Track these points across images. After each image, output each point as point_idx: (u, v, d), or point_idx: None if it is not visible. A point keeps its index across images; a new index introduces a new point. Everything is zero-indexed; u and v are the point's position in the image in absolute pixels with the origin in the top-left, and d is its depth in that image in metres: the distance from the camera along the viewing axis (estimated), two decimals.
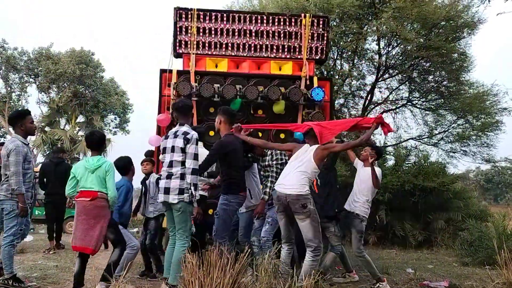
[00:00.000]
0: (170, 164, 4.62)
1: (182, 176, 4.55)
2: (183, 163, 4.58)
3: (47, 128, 25.35)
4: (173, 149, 4.63)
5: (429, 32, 12.42)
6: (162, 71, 6.60)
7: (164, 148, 4.76)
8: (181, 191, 4.53)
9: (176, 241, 4.61)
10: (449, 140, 14.22)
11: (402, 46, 12.79)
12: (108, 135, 25.82)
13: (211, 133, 6.42)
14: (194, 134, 4.66)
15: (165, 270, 4.75)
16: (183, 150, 4.58)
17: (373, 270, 5.62)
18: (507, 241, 6.92)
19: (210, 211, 6.10)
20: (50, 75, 24.61)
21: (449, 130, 14.16)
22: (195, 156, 4.59)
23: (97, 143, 4.94)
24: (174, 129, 4.83)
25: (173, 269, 4.43)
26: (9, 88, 26.49)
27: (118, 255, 4.86)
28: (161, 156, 4.84)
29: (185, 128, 4.76)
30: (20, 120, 5.27)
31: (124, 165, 5.57)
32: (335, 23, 12.20)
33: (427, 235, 10.40)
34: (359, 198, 5.77)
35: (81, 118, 26.37)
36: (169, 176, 4.59)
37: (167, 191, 4.57)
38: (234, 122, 5.11)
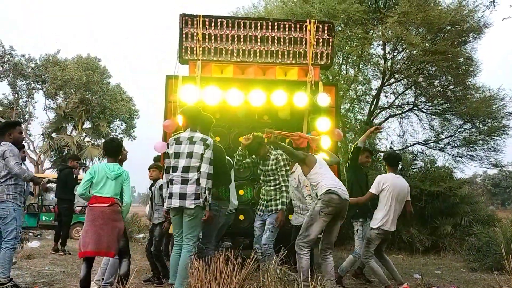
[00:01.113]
0: (186, 170, 4.57)
1: (198, 181, 4.57)
2: (199, 168, 4.58)
3: (54, 134, 25.52)
4: (190, 154, 4.60)
5: (435, 36, 12.42)
6: (168, 77, 6.63)
7: (177, 153, 4.67)
8: (197, 196, 4.53)
9: (183, 246, 4.57)
10: (456, 145, 14.18)
11: (407, 51, 12.80)
12: None
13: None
14: (211, 140, 4.73)
15: (171, 276, 4.72)
16: (201, 156, 4.59)
17: (379, 277, 5.56)
18: None
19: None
20: (57, 81, 24.81)
21: (456, 135, 14.13)
22: (211, 161, 4.62)
23: (116, 151, 4.99)
24: (186, 134, 4.76)
25: (180, 275, 4.42)
26: (16, 95, 26.73)
27: (127, 267, 4.93)
28: (173, 162, 4.70)
29: (199, 134, 4.77)
30: (10, 129, 5.44)
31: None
32: (340, 29, 12.23)
33: (434, 240, 10.34)
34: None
35: (87, 124, 26.53)
36: (185, 182, 4.56)
37: (183, 196, 4.52)
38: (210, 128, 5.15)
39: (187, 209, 4.52)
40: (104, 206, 4.67)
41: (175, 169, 4.66)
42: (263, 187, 5.51)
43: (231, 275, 3.69)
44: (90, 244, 4.62)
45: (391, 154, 6.40)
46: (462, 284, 6.34)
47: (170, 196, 4.63)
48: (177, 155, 4.68)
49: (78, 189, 4.88)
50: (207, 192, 4.55)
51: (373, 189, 5.62)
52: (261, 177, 5.56)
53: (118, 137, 27.52)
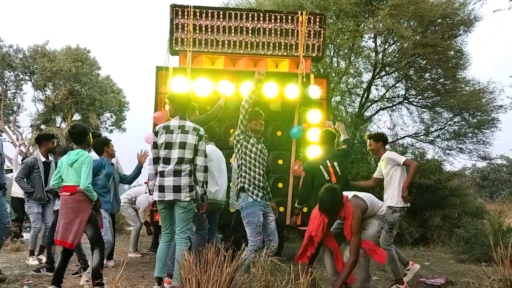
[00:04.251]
0: (180, 161, 4.44)
1: (190, 173, 4.47)
2: (191, 160, 4.49)
3: (43, 126, 25.28)
4: (183, 145, 4.45)
5: (426, 29, 12.45)
6: (158, 69, 6.58)
7: (169, 143, 4.49)
8: (190, 188, 4.45)
9: (178, 240, 4.47)
10: (445, 138, 14.29)
11: (398, 44, 12.84)
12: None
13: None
14: (203, 130, 4.64)
15: (159, 269, 4.60)
16: (195, 147, 4.49)
17: (396, 268, 5.38)
18: (503, 238, 6.93)
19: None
20: (46, 73, 24.49)
21: (445, 128, 14.23)
22: (205, 153, 4.57)
23: (78, 137, 4.87)
24: (175, 123, 4.58)
25: (177, 268, 4.36)
26: (4, 86, 26.36)
27: (99, 257, 4.75)
28: (164, 152, 4.50)
29: (191, 123, 4.62)
30: None
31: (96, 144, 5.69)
32: (331, 21, 12.22)
33: (423, 232, 10.43)
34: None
35: (77, 116, 26.27)
36: (178, 173, 4.43)
37: (177, 189, 4.41)
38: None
39: (181, 202, 4.43)
40: (66, 195, 4.63)
41: (166, 160, 4.49)
42: (261, 171, 5.04)
43: (221, 266, 3.68)
44: (56, 232, 4.66)
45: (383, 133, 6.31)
46: (450, 275, 6.41)
47: (162, 189, 4.46)
48: (168, 145, 4.50)
49: (50, 183, 4.81)
50: (205, 186, 4.53)
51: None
52: (258, 158, 5.02)
53: (108, 129, 27.36)
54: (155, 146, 4.59)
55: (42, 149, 6.81)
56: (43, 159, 6.77)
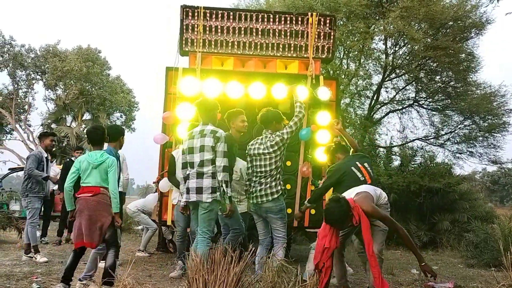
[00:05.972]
0: (201, 164, 4.64)
1: (214, 175, 4.62)
2: (213, 162, 4.63)
3: (53, 125, 25.51)
4: (202, 148, 4.66)
5: (437, 32, 12.36)
6: (168, 69, 6.60)
7: (191, 148, 4.75)
8: (213, 190, 4.60)
9: (200, 240, 4.59)
10: (456, 141, 14.16)
11: (409, 46, 12.76)
12: None
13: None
14: (222, 132, 4.75)
15: None
16: (213, 149, 4.63)
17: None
18: None
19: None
20: (57, 72, 24.73)
21: (456, 131, 14.11)
22: (225, 154, 4.66)
23: (100, 139, 4.87)
24: (197, 128, 4.83)
25: None
26: (16, 85, 26.64)
27: (113, 258, 4.71)
28: (188, 157, 4.77)
29: (211, 127, 4.79)
30: None
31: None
32: (342, 22, 12.18)
33: (432, 236, 10.37)
34: None
35: (87, 116, 26.51)
36: (200, 175, 4.63)
37: (199, 190, 4.60)
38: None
39: (203, 203, 4.58)
40: (88, 196, 4.60)
41: (190, 164, 4.74)
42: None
43: (228, 267, 3.68)
44: (79, 235, 4.61)
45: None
46: (459, 280, 6.36)
47: (188, 191, 4.70)
48: (191, 150, 4.75)
49: (65, 184, 4.73)
50: (224, 185, 4.59)
51: None
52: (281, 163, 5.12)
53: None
54: (183, 152, 4.93)
55: (42, 145, 7.20)
56: (45, 155, 7.04)
